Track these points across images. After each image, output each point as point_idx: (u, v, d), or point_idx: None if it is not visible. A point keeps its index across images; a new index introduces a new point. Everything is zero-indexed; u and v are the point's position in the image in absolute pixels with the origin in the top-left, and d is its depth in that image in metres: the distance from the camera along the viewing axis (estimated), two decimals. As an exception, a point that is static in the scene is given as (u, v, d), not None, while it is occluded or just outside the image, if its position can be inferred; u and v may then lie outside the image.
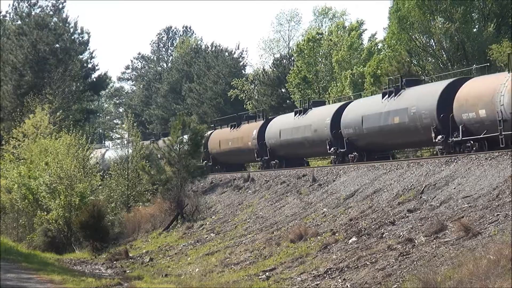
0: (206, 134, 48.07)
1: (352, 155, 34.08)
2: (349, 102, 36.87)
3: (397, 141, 32.44)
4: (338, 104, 37.86)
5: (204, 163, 45.10)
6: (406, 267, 15.76)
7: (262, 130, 42.86)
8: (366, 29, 71.28)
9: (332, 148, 35.63)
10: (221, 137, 47.73)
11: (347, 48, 58.05)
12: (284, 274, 18.94)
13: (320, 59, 62.39)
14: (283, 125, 40.94)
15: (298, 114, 39.96)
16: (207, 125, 52.74)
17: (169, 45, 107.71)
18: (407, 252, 16.78)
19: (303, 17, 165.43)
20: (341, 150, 34.92)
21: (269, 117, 45.25)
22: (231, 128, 47.11)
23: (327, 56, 61.27)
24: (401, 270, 15.68)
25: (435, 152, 31.00)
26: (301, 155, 41.13)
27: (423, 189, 22.03)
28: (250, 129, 44.47)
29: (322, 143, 36.74)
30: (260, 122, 44.06)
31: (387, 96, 32.31)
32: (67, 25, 58.32)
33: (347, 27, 62.69)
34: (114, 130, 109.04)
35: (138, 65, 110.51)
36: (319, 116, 37.84)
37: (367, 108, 33.71)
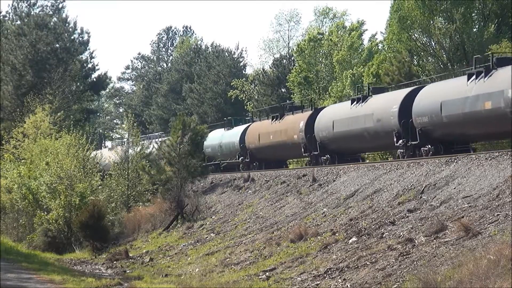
0: (242, 126, 47.19)
1: (426, 148, 29.53)
2: (422, 87, 31.97)
3: (480, 131, 27.87)
4: (407, 89, 32.69)
5: (240, 159, 44.44)
6: (406, 267, 15.75)
7: (310, 122, 38.00)
8: (366, 29, 71.40)
9: (401, 141, 30.84)
10: (261, 130, 43.36)
11: (347, 48, 58.06)
12: (284, 274, 18.94)
13: (320, 59, 62.41)
14: (337, 115, 35.87)
15: (356, 102, 34.63)
16: (207, 125, 52.40)
17: (169, 45, 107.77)
18: (407, 252, 16.78)
19: (302, 17, 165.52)
20: (413, 142, 30.15)
21: (319, 107, 40.53)
22: (272, 120, 42.48)
23: (328, 56, 61.30)
24: (401, 270, 15.68)
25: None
26: (359, 149, 36.43)
27: (423, 189, 22.02)
28: (295, 121, 39.79)
29: (387, 135, 31.75)
30: (307, 113, 39.18)
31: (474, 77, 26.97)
32: (66, 25, 58.37)
33: (348, 27, 62.71)
34: (114, 130, 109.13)
35: (138, 65, 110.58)
36: (383, 104, 32.58)
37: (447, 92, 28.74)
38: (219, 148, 48.11)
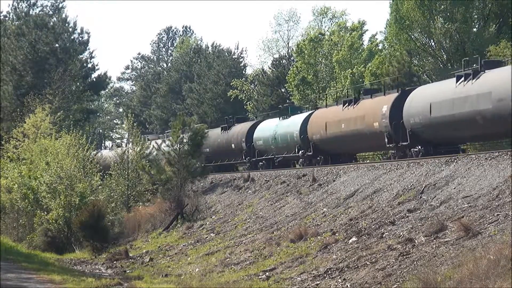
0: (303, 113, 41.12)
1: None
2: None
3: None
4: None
5: (300, 153, 38.48)
6: (406, 267, 15.76)
7: (397, 106, 31.31)
8: (367, 30, 71.47)
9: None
10: (329, 118, 36.41)
11: (347, 48, 58.09)
12: (284, 274, 18.95)
13: (320, 59, 62.43)
14: (436, 97, 28.70)
15: (462, 80, 27.34)
16: (207, 125, 52.24)
17: (169, 45, 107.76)
18: (407, 252, 16.79)
19: (301, 17, 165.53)
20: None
21: (407, 88, 33.16)
22: (344, 105, 35.51)
23: (328, 56, 61.32)
24: (401, 270, 15.69)
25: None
26: (466, 138, 29.91)
27: (423, 189, 22.03)
28: (376, 105, 32.95)
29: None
30: (392, 95, 32.57)
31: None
32: (66, 25, 58.35)
33: (349, 27, 62.75)
34: (114, 130, 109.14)
35: (138, 65, 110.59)
36: (498, 81, 26.06)
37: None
38: (273, 140, 41.96)
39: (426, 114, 28.86)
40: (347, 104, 35.30)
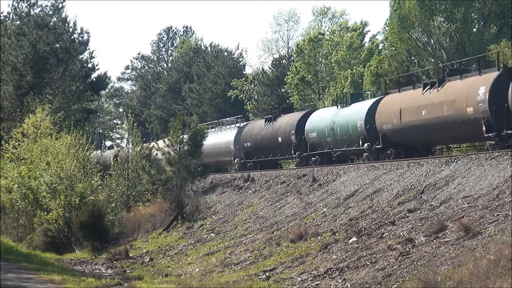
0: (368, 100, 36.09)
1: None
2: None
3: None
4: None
5: (365, 146, 33.04)
6: (406, 267, 15.77)
7: (498, 86, 25.95)
8: (369, 31, 71.43)
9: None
10: (404, 104, 31.07)
11: (346, 48, 58.10)
12: (284, 274, 18.95)
13: (320, 59, 62.44)
14: None
15: None
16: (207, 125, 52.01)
17: (169, 45, 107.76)
18: (407, 252, 16.80)
19: (301, 17, 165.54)
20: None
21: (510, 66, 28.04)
22: (426, 88, 29.86)
23: (327, 56, 61.34)
24: (401, 270, 15.69)
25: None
26: None
27: (423, 189, 22.04)
28: (469, 87, 27.53)
29: None
30: (491, 74, 26.93)
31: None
32: (66, 24, 58.33)
33: (350, 27, 62.77)
34: (114, 130, 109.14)
35: (138, 65, 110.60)
36: None
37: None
38: (330, 132, 36.42)
39: None
40: (428, 86, 29.74)
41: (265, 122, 43.45)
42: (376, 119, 32.81)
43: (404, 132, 31.08)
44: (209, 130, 44.90)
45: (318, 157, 36.98)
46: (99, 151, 56.49)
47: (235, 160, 45.54)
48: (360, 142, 33.67)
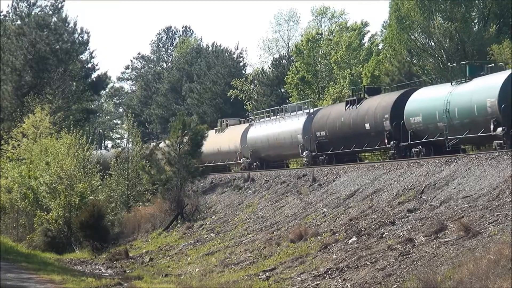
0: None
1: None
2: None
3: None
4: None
5: (499, 131, 25.77)
6: (406, 267, 15.76)
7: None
8: (369, 31, 71.39)
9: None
10: None
11: (345, 48, 58.09)
12: (284, 274, 18.95)
13: (319, 59, 62.45)
14: None
15: None
16: (207, 125, 51.86)
17: (169, 45, 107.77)
18: (407, 252, 16.79)
19: (301, 17, 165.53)
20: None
21: None
22: None
23: (327, 56, 61.34)
24: (401, 270, 15.69)
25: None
26: None
27: (423, 189, 22.04)
28: None
29: None
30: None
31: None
32: (66, 24, 58.31)
33: (350, 27, 62.75)
34: (114, 130, 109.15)
35: (138, 65, 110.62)
36: None
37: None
38: (443, 115, 28.82)
39: None
40: None
41: (346, 105, 36.03)
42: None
43: None
44: (264, 119, 43.73)
45: (422, 147, 30.07)
46: (100, 151, 56.49)
47: (304, 153, 38.76)
48: (492, 127, 26.17)
